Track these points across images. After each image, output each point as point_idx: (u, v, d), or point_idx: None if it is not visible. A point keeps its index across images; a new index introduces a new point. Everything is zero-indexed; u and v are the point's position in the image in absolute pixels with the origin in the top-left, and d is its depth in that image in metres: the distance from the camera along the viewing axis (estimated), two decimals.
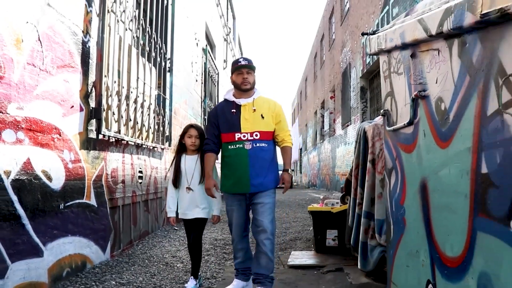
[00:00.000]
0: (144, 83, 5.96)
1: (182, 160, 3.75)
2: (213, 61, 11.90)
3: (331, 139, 20.19)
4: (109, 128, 4.71)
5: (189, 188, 3.67)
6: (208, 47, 11.30)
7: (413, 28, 1.93)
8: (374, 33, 2.70)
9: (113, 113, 4.84)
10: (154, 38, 6.44)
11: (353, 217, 4.08)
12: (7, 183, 2.97)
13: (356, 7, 14.48)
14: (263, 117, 3.43)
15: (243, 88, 3.47)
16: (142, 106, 5.89)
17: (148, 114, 6.22)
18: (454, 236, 1.83)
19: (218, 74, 12.97)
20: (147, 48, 6.17)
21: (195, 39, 9.74)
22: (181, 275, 4.09)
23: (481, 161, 1.58)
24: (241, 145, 3.39)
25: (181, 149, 3.79)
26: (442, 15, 1.57)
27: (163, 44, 6.95)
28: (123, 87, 5.17)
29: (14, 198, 3.04)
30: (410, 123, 2.32)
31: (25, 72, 3.21)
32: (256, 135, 3.39)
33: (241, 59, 3.54)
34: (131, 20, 5.52)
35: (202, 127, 4.34)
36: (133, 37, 5.62)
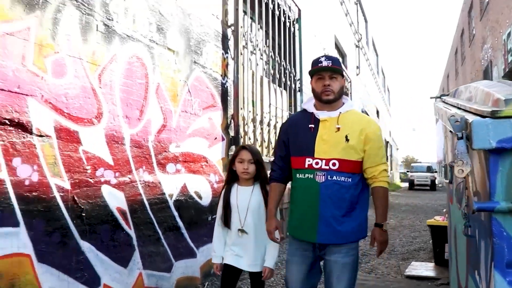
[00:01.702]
0: (276, 107, 6.84)
1: (232, 192, 2.94)
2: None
3: None
4: None
5: (242, 231, 2.84)
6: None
7: (445, 117, 2.48)
8: (440, 97, 3.18)
9: (249, 138, 5.79)
10: (283, 64, 7.30)
11: None
12: (171, 203, 4.04)
13: (496, 1, 13.68)
14: (347, 140, 2.49)
15: (324, 99, 2.56)
16: (274, 127, 6.77)
17: None
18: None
19: (350, 82, 13.44)
20: (277, 75, 7.06)
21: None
22: None
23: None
24: (311, 175, 2.50)
25: (232, 178, 2.99)
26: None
27: (292, 68, 7.77)
28: (257, 114, 6.11)
29: (175, 214, 4.10)
30: (450, 182, 2.89)
31: (180, 118, 4.26)
32: (334, 164, 2.47)
33: (322, 58, 2.60)
34: (262, 54, 6.44)
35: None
36: (264, 68, 6.54)
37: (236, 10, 5.47)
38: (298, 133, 2.64)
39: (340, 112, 2.58)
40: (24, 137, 2.55)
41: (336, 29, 12.01)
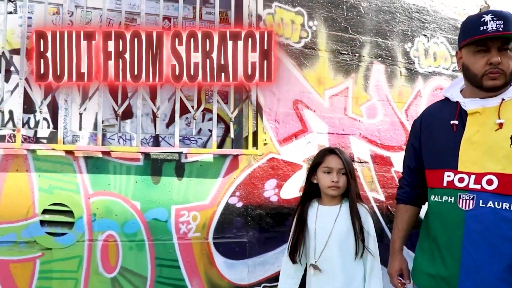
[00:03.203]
0: None
1: (310, 214, 2.15)
2: None
3: None
4: None
5: (314, 267, 2.04)
6: None
7: None
8: None
9: None
10: None
11: None
12: None
13: None
14: None
15: (489, 84, 1.67)
16: None
17: None
18: None
19: None
20: None
21: None
22: None
23: None
24: (452, 199, 1.69)
25: (310, 194, 2.22)
26: None
27: None
28: None
29: None
30: None
31: None
32: (490, 182, 1.61)
33: (487, 17, 1.59)
34: None
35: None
36: None
37: None
38: (434, 133, 1.83)
39: (503, 99, 1.66)
40: None
41: None
